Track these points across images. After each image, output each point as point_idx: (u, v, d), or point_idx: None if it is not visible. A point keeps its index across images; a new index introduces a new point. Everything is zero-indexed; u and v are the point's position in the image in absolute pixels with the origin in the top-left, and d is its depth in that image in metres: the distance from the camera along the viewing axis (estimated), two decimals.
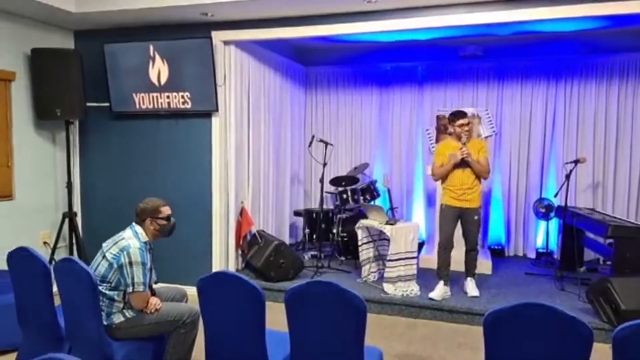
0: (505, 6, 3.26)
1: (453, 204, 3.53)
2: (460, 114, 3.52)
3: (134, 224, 2.40)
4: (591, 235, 4.20)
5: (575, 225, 4.05)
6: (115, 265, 2.27)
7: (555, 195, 4.23)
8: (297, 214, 5.10)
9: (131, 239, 2.32)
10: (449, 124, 3.60)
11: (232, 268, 4.11)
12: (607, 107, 4.64)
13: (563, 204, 4.03)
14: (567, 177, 4.02)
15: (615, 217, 4.14)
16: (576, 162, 4.08)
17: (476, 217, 3.52)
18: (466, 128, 3.46)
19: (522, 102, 4.89)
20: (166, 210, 2.44)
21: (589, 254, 4.55)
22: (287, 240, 4.94)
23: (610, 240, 3.72)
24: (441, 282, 3.60)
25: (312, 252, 4.66)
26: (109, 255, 2.30)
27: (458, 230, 3.59)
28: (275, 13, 3.62)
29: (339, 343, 1.87)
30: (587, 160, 4.45)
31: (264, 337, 1.99)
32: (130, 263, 2.25)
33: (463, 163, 3.46)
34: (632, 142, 4.58)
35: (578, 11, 3.15)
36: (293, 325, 1.93)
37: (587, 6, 3.12)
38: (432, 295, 3.55)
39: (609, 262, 3.97)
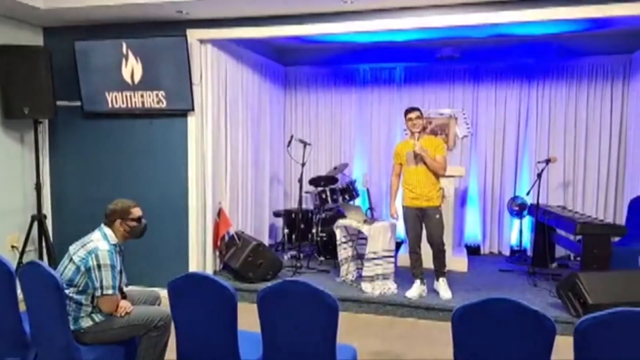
0: (479, 9, 3.32)
1: (413, 204, 3.53)
2: (410, 110, 3.54)
3: (102, 225, 2.35)
4: (562, 233, 4.33)
5: (546, 223, 4.16)
6: (82, 269, 2.21)
7: (527, 194, 4.34)
8: (276, 214, 5.08)
9: (99, 241, 2.26)
10: (405, 123, 3.60)
11: (209, 269, 4.06)
12: (576, 109, 4.79)
13: (535, 202, 4.14)
14: (539, 175, 4.13)
15: (584, 215, 4.27)
16: (547, 161, 4.19)
17: (437, 216, 3.50)
18: (413, 122, 3.47)
19: (496, 103, 5.00)
20: (137, 212, 2.39)
21: (560, 251, 4.69)
22: (267, 241, 4.91)
23: (580, 237, 3.83)
24: (417, 281, 3.64)
25: (292, 253, 4.64)
26: (76, 258, 2.24)
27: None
28: (252, 12, 3.59)
29: (311, 342, 1.86)
30: (558, 159, 4.57)
31: (236, 338, 1.97)
32: (99, 266, 2.20)
33: (419, 161, 3.48)
34: (601, 142, 4.73)
35: (549, 14, 3.23)
36: (265, 325, 1.92)
37: (557, 10, 3.21)
38: (408, 294, 3.59)
39: (579, 258, 4.09)
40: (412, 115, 3.50)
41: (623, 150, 4.67)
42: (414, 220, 3.56)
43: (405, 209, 3.61)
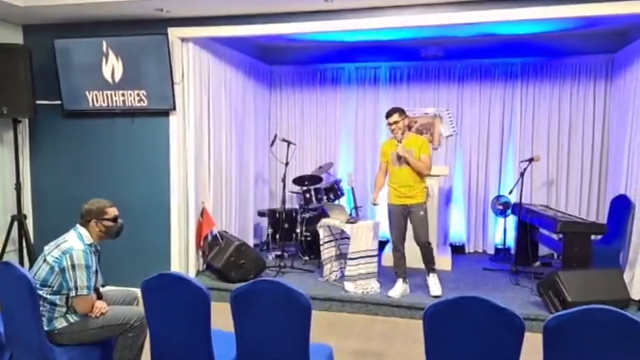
0: (462, 8, 3.34)
1: (397, 202, 3.57)
2: (387, 114, 3.56)
3: (78, 225, 2.33)
4: (544, 231, 4.36)
5: (529, 222, 4.19)
6: (56, 269, 2.19)
7: (510, 193, 4.37)
8: (260, 214, 5.06)
9: (74, 241, 2.24)
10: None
11: (192, 269, 4.04)
12: (560, 108, 4.83)
13: (518, 201, 4.17)
14: (522, 174, 4.16)
15: (566, 214, 4.31)
16: (530, 160, 4.22)
17: (422, 213, 3.53)
18: (392, 127, 3.51)
19: (481, 103, 5.02)
20: (112, 211, 2.37)
21: (544, 250, 4.73)
22: (252, 241, 4.89)
23: (561, 235, 3.87)
24: (400, 280, 3.65)
25: (276, 252, 4.63)
26: (50, 259, 2.22)
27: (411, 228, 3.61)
28: (233, 10, 3.58)
29: (283, 341, 1.86)
30: (542, 158, 4.61)
31: (209, 338, 1.96)
32: (73, 266, 2.18)
33: (403, 162, 3.51)
34: (584, 141, 4.77)
35: (532, 14, 3.25)
36: (238, 325, 1.91)
37: (541, 9, 3.23)
38: (390, 293, 3.60)
39: (562, 257, 4.13)
40: (390, 120, 3.53)
41: (605, 149, 4.72)
42: (398, 217, 3.58)
43: (390, 206, 3.62)
